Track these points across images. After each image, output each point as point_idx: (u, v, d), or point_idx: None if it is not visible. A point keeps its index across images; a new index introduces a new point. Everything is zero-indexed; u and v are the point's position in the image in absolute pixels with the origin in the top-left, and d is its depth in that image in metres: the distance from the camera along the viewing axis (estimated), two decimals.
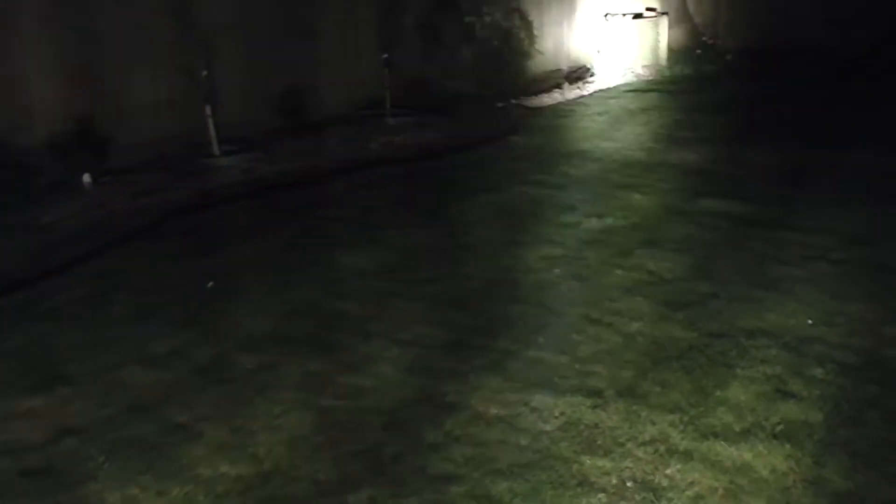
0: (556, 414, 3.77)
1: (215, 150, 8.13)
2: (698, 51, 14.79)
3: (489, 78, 11.04)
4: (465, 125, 9.88)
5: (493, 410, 3.81)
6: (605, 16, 13.01)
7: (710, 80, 12.70)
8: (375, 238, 6.25)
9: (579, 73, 12.74)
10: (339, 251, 6.00)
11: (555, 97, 11.70)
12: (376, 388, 4.05)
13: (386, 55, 9.72)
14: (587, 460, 3.40)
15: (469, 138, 9.35)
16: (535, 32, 11.50)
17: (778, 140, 8.99)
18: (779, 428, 3.58)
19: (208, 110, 8.03)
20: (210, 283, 5.40)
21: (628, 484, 3.24)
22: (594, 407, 3.82)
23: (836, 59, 12.33)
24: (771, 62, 12.77)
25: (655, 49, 13.45)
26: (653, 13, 13.40)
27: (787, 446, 3.44)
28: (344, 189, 7.71)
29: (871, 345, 4.32)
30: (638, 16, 13.19)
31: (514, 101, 11.10)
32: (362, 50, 9.94)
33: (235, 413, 3.84)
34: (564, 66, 12.50)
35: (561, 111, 11.00)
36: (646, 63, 13.26)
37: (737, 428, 3.60)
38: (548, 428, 3.66)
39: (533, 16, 11.56)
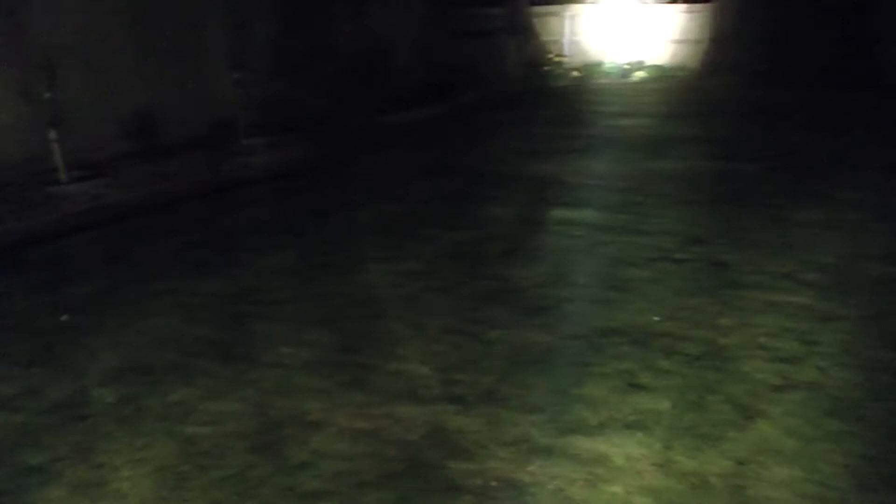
0: (421, 423, 3.86)
1: (62, 176, 7.79)
2: (546, 67, 15.52)
3: (346, 95, 11.14)
4: (319, 144, 9.94)
5: (359, 425, 3.85)
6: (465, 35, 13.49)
7: (557, 95, 13.32)
8: (235, 261, 6.19)
9: (442, 88, 13.11)
10: (198, 276, 5.90)
11: (415, 113, 11.98)
12: (241, 411, 4.01)
13: (237, 75, 9.64)
14: (452, 465, 3.50)
15: (323, 157, 9.42)
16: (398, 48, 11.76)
17: (620, 151, 9.63)
18: (631, 418, 3.82)
19: (53, 135, 7.70)
20: (64, 317, 5.18)
21: (493, 484, 3.36)
22: (457, 413, 3.93)
23: None
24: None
25: (511, 65, 14.06)
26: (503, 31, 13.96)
27: (639, 434, 3.67)
28: (200, 213, 7.59)
29: (711, 335, 4.67)
30: (487, 34, 13.71)
31: (373, 118, 11.26)
32: (215, 70, 9.82)
33: (96, 450, 3.70)
34: (433, 81, 12.82)
35: (422, 126, 11.26)
36: (500, 78, 13.81)
37: (593, 422, 3.80)
38: (413, 437, 3.74)
39: (393, 33, 11.80)
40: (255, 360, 4.55)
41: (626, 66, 17.85)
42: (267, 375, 4.38)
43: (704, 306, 5.11)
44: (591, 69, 17.82)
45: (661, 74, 17.74)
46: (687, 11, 17.68)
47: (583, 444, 3.63)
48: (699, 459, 3.46)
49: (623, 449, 3.57)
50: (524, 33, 16.48)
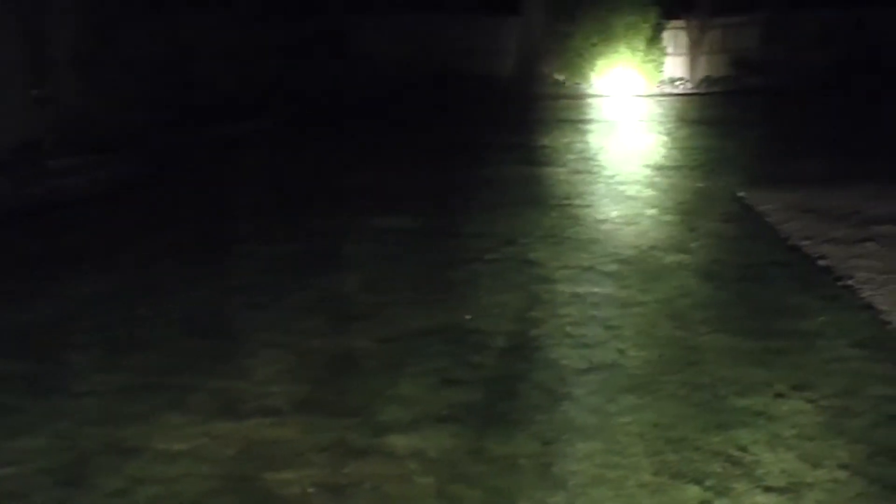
0: (238, 438, 3.81)
1: None
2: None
3: (161, 110, 10.77)
4: (133, 162, 9.55)
5: (176, 446, 3.75)
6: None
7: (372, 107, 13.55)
8: (45, 290, 5.83)
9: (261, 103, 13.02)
10: (6, 307, 5.50)
11: (232, 129, 11.86)
12: (50, 446, 3.78)
13: (37, 91, 9.07)
14: (269, 476, 3.48)
15: (138, 175, 9.07)
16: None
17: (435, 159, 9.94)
18: (444, 412, 3.95)
19: None
20: None
21: (311, 490, 3.38)
22: (273, 425, 3.92)
23: None
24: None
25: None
26: None
27: (452, 427, 3.81)
28: (3, 240, 7.10)
29: (520, 328, 4.92)
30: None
31: (189, 133, 10.97)
32: (10, 87, 9.16)
33: None
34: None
35: (240, 141, 11.19)
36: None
37: (407, 419, 3.90)
38: (230, 453, 3.69)
39: (211, 47, 11.59)
40: (67, 391, 4.31)
41: None
42: (80, 405, 4.16)
43: (515, 301, 5.36)
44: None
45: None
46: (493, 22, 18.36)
47: (398, 441, 3.72)
48: (509, 444, 3.64)
49: (437, 442, 3.69)
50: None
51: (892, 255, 6.06)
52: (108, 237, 7.31)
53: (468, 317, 5.12)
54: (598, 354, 4.50)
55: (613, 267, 5.97)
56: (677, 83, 17.31)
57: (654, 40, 16.96)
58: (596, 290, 5.53)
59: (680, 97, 15.95)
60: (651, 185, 8.56)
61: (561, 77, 17.24)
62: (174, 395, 4.24)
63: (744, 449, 3.52)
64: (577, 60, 16.86)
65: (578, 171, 9.42)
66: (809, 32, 17.53)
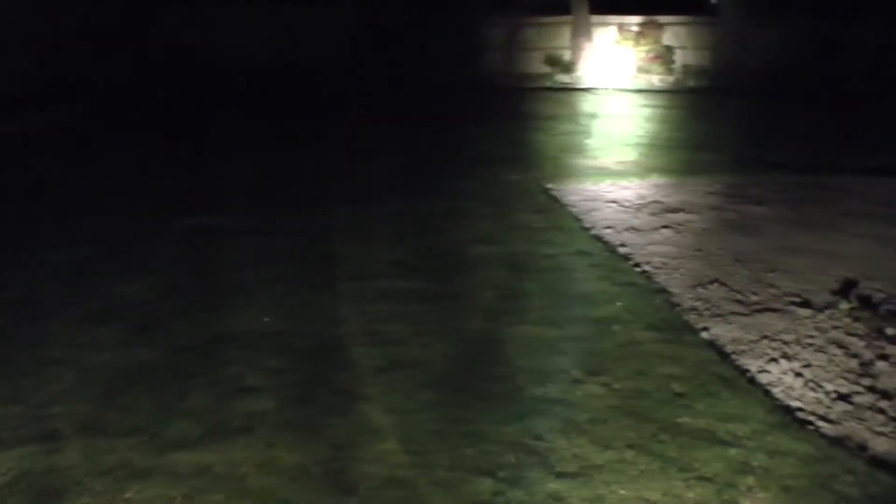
0: (5, 470, 3.44)
1: None
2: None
3: None
4: None
5: None
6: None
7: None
8: None
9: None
10: None
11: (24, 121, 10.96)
12: None
13: None
14: None
15: None
16: None
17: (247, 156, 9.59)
18: (236, 423, 3.75)
19: None
20: None
21: None
22: (48, 451, 3.57)
23: None
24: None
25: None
26: None
27: (243, 438, 3.61)
28: None
29: (322, 328, 4.77)
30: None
31: None
32: None
33: None
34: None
35: (32, 136, 10.26)
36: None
37: (197, 433, 3.67)
38: None
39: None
40: None
41: None
42: None
43: (320, 301, 5.21)
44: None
45: None
46: None
47: (184, 458, 3.49)
48: (301, 452, 3.49)
49: (226, 455, 3.49)
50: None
51: (685, 241, 6.42)
52: None
53: (266, 319, 4.92)
54: (399, 352, 4.43)
55: (423, 261, 5.94)
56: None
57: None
58: (404, 285, 5.47)
59: (497, 92, 16.36)
60: (468, 177, 8.66)
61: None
62: None
63: (539, 437, 3.56)
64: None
65: (403, 165, 9.40)
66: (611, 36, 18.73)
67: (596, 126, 12.48)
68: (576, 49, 18.61)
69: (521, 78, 18.15)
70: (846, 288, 5.55)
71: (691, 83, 18.00)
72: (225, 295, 5.38)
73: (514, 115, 13.59)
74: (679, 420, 3.72)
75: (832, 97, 15.92)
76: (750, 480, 3.31)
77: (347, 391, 4.01)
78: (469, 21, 18.61)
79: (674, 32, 18.99)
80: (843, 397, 4.15)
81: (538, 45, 19.04)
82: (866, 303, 5.29)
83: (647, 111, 14.12)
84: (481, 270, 5.75)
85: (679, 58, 18.88)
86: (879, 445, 3.72)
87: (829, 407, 4.05)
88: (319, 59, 17.09)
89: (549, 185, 8.17)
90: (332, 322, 4.87)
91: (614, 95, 16.23)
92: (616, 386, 4.02)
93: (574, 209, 7.32)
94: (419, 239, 6.49)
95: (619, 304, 5.08)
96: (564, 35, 19.06)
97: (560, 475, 3.27)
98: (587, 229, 6.71)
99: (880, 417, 3.96)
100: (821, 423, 3.87)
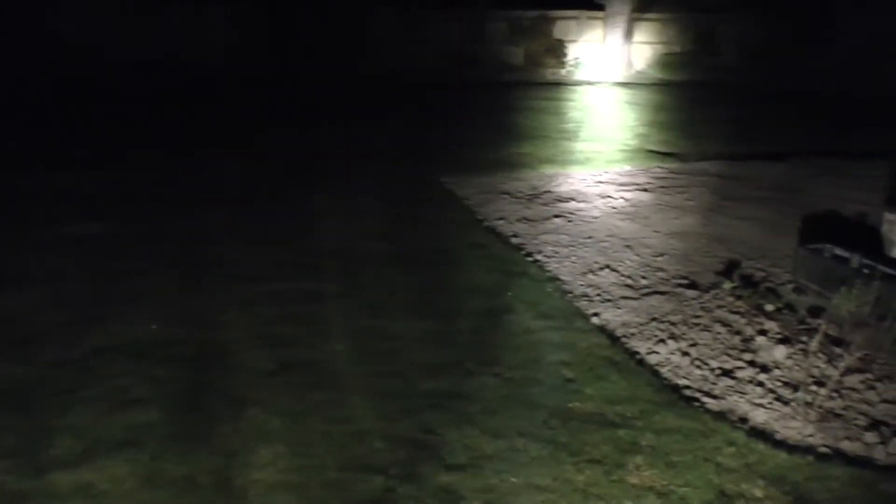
0: None
1: None
2: None
3: None
4: None
5: None
6: None
7: None
8: None
9: None
10: None
11: None
12: None
13: None
14: None
15: None
16: None
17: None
18: (120, 437, 3.61)
19: None
20: None
21: None
22: None
23: None
24: None
25: None
26: None
27: (127, 452, 3.48)
28: None
29: (211, 334, 4.65)
30: None
31: None
32: None
33: None
34: None
35: None
36: None
37: (78, 451, 3.52)
38: None
39: None
40: None
41: None
42: None
43: (209, 305, 5.08)
44: None
45: None
46: None
47: (64, 478, 3.34)
48: (188, 462, 3.40)
49: (109, 472, 3.36)
50: None
51: (576, 230, 6.55)
52: None
53: (154, 327, 4.76)
54: (289, 353, 4.37)
55: (315, 260, 5.87)
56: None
57: None
58: (295, 285, 5.38)
59: (393, 86, 16.35)
60: (361, 173, 8.60)
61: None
62: None
63: (430, 431, 3.56)
64: None
65: (289, 163, 9.26)
66: (504, 30, 18.97)
67: (490, 119, 12.61)
68: (473, 44, 18.76)
69: (420, 73, 18.16)
70: (729, 269, 5.77)
71: (582, 76, 18.41)
72: (109, 304, 5.17)
73: (408, 110, 13.58)
74: (570, 405, 3.79)
75: (715, 88, 16.55)
76: (638, 459, 3.40)
77: (237, 396, 3.92)
78: (366, 15, 18.49)
79: (564, 26, 19.36)
80: (726, 373, 4.31)
81: (436, 39, 19.10)
82: (748, 282, 5.51)
83: (538, 103, 14.35)
84: (373, 267, 5.71)
85: (570, 51, 19.26)
86: (758, 416, 3.88)
87: (713, 383, 4.20)
88: (210, 55, 16.66)
89: (444, 179, 8.19)
90: (222, 326, 4.75)
91: (508, 89, 16.43)
92: (508, 375, 4.06)
93: (468, 202, 7.37)
94: (309, 237, 6.40)
95: (510, 294, 5.14)
96: (460, 30, 19.18)
97: (451, 467, 3.28)
98: (480, 221, 6.77)
99: (759, 390, 4.13)
100: (706, 399, 4.01)
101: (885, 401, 4.09)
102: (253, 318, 4.85)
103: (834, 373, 4.10)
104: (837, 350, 4.49)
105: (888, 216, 5.79)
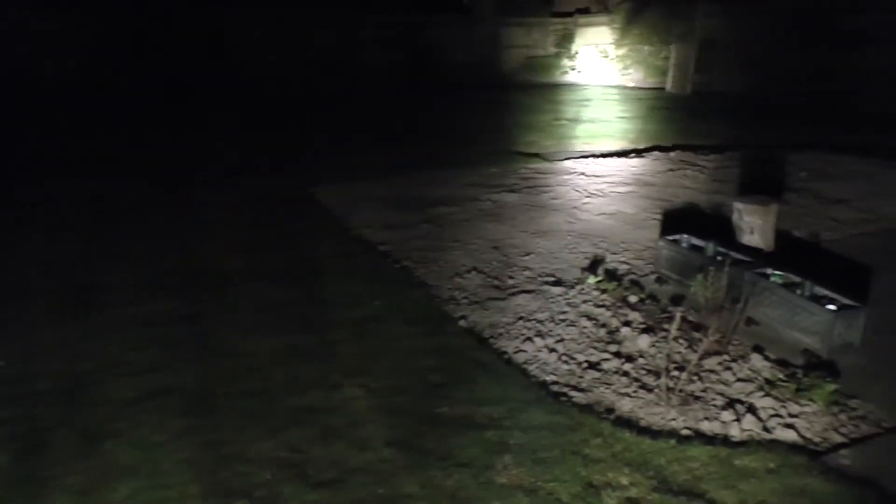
0: None
1: None
2: None
3: None
4: None
5: None
6: None
7: None
8: None
9: None
10: None
11: None
12: None
13: None
14: None
15: None
16: None
17: None
18: None
19: None
20: None
21: None
22: None
23: None
24: None
25: None
26: None
27: None
28: None
29: (68, 365, 4.37)
30: None
31: None
32: None
33: None
34: None
35: None
36: None
37: None
38: None
39: None
40: None
41: None
42: None
43: (65, 335, 4.79)
44: None
45: None
46: None
47: None
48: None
49: None
50: None
51: (444, 234, 6.58)
52: None
53: (2, 363, 4.44)
54: (150, 380, 4.17)
55: (180, 279, 5.66)
56: None
57: None
58: (156, 307, 5.16)
59: (249, 96, 16.02)
60: (225, 187, 8.37)
61: None
62: None
63: (296, 449, 3.48)
64: None
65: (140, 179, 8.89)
66: (373, 37, 18.94)
67: (356, 125, 12.56)
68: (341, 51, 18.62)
69: (285, 81, 17.85)
70: (594, 264, 5.93)
71: (452, 79, 18.61)
72: None
73: (267, 121, 13.32)
74: (438, 411, 3.78)
75: (576, 89, 17.10)
76: (506, 459, 3.42)
77: (92, 431, 3.70)
78: (225, 23, 18.03)
79: (434, 33, 19.51)
80: (592, 366, 4.41)
81: (304, 47, 18.81)
82: (612, 275, 5.67)
83: (406, 109, 14.42)
84: (240, 283, 5.55)
85: (439, 56, 19.43)
86: (624, 406, 3.98)
87: (580, 377, 4.29)
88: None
89: (311, 189, 8.08)
90: (79, 356, 4.49)
91: (375, 95, 16.39)
92: (374, 386, 4.02)
93: (335, 211, 7.29)
94: (170, 257, 6.16)
95: (377, 302, 5.10)
96: (330, 37, 18.98)
97: (317, 485, 3.21)
98: (348, 230, 6.70)
99: (624, 379, 4.25)
100: (573, 393, 4.09)
101: (739, 380, 4.29)
102: (113, 345, 4.60)
103: (693, 357, 4.25)
104: (697, 335, 4.67)
105: (736, 205, 6.10)
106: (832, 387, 4.14)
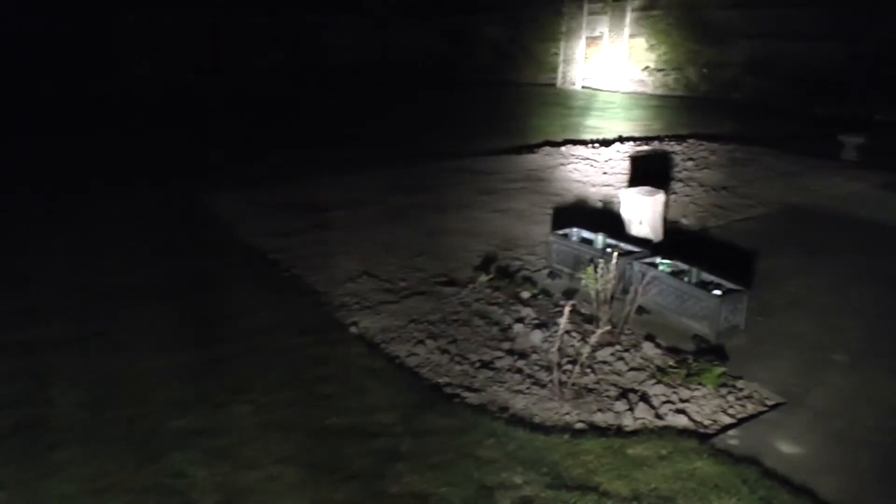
0: None
1: None
2: None
3: None
4: None
5: None
6: None
7: None
8: None
9: None
10: None
11: None
12: None
13: None
14: None
15: None
16: None
17: None
18: None
19: None
20: None
21: None
22: None
23: None
24: None
25: None
26: None
27: None
28: None
29: None
30: None
31: None
32: None
33: None
34: None
35: None
36: None
37: None
38: None
39: None
40: None
41: None
42: None
43: None
44: None
45: None
46: None
47: None
48: None
49: None
50: None
51: (337, 238, 6.47)
52: None
53: None
54: (23, 412, 3.89)
55: (59, 300, 5.34)
56: None
57: None
58: (31, 331, 4.83)
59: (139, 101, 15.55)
60: (111, 196, 8.02)
61: None
62: None
63: (179, 474, 3.32)
64: None
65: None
66: (257, 37, 18.58)
67: (245, 131, 12.29)
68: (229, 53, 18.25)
69: (167, 87, 17.37)
70: (486, 262, 5.93)
71: (352, 81, 18.49)
72: None
73: (157, 127, 12.91)
74: (327, 422, 3.68)
75: (468, 84, 17.22)
76: (398, 467, 3.35)
77: None
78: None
79: (331, 33, 19.34)
80: (486, 364, 4.39)
81: (187, 51, 18.33)
82: (504, 272, 5.68)
83: (300, 111, 14.20)
84: (124, 301, 5.28)
85: (333, 55, 19.27)
86: (518, 403, 3.97)
87: (473, 377, 4.26)
88: None
89: (202, 195, 7.83)
90: None
91: (272, 98, 16.10)
92: (262, 401, 3.88)
93: (224, 219, 7.08)
94: (51, 276, 5.83)
95: (264, 313, 4.95)
96: (216, 38, 18.57)
97: None
98: (237, 240, 6.51)
99: (518, 377, 4.24)
100: (466, 394, 4.05)
101: (632, 369, 4.35)
102: None
103: (586, 349, 4.28)
104: (589, 327, 4.71)
105: (622, 196, 6.23)
106: (720, 370, 4.26)
